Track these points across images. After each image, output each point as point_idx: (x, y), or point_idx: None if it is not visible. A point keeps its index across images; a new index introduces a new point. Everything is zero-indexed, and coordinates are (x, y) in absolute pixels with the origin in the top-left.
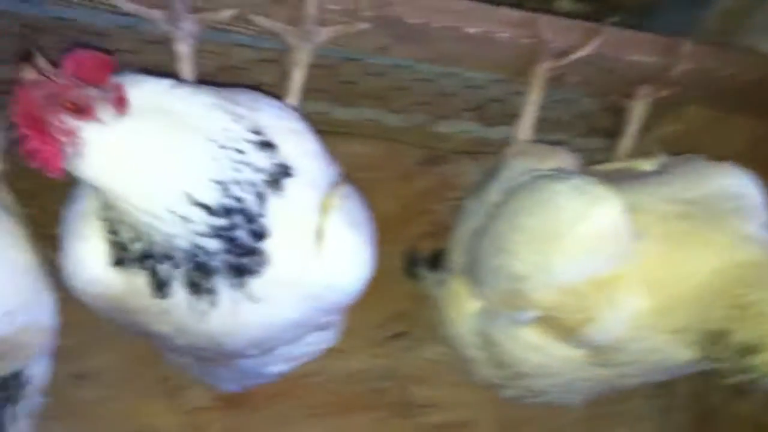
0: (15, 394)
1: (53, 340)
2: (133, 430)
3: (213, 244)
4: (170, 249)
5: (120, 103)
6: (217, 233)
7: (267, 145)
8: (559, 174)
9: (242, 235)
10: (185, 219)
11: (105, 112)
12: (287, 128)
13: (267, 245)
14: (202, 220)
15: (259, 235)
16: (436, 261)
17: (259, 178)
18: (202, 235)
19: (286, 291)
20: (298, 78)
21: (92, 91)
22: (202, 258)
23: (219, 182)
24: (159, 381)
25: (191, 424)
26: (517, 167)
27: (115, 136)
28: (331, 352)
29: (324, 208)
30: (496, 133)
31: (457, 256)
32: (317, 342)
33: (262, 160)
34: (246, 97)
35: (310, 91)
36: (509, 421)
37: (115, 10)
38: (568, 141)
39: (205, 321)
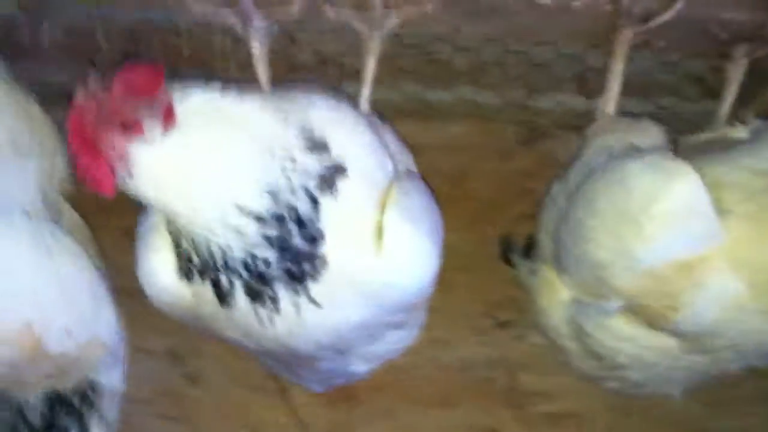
0: (82, 406)
1: (120, 351)
2: (243, 428)
3: (269, 253)
4: (228, 260)
5: (167, 120)
6: (272, 242)
7: (318, 147)
8: (632, 151)
9: (297, 241)
10: (238, 231)
11: (153, 129)
12: (341, 125)
13: (324, 249)
14: (255, 231)
15: (315, 239)
16: (530, 248)
17: (310, 182)
18: (257, 245)
19: (348, 293)
20: (371, 66)
21: (140, 109)
22: (260, 267)
23: (269, 192)
24: (266, 378)
25: (298, 420)
26: (597, 146)
27: (163, 153)
28: (435, 342)
29: (382, 205)
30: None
31: (545, 244)
32: (398, 340)
33: (314, 162)
34: (299, 96)
35: (401, 73)
36: (621, 409)
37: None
38: (678, 106)
39: (271, 327)
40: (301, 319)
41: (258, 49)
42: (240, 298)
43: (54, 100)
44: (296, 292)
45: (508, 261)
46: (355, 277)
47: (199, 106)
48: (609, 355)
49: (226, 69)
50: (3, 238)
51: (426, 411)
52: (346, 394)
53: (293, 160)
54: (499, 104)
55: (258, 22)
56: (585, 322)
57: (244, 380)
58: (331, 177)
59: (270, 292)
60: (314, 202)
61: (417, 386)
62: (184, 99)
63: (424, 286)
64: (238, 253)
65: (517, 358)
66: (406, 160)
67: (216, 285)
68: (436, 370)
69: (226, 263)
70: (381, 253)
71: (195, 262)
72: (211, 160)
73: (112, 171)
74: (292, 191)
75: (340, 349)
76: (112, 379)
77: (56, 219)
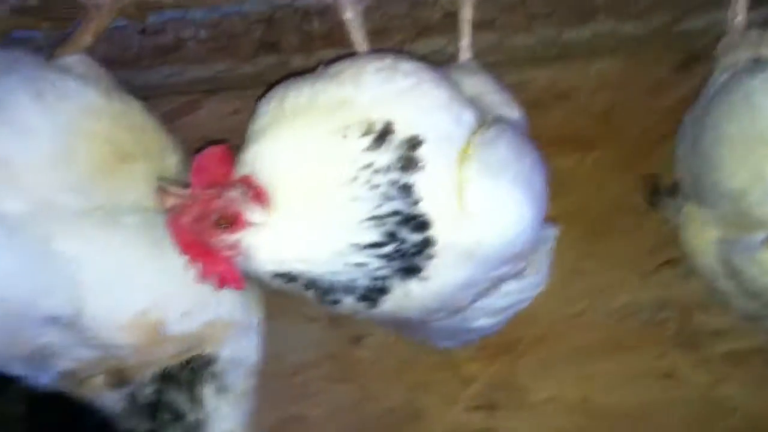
0: (193, 379)
1: (250, 324)
2: (407, 386)
3: (388, 268)
4: (351, 289)
5: (259, 197)
6: (390, 257)
7: (382, 135)
8: (756, 65)
9: (411, 239)
10: (359, 264)
11: (252, 212)
12: (400, 91)
13: (432, 229)
14: (376, 256)
15: (424, 224)
16: (677, 186)
17: (394, 174)
18: (378, 268)
19: (445, 258)
20: (466, 13)
21: (231, 196)
22: (379, 285)
23: (372, 217)
24: None
25: (458, 376)
26: (724, 65)
27: (272, 231)
28: (597, 288)
29: (461, 159)
30: (758, 16)
31: (685, 179)
32: (521, 289)
33: (387, 153)
34: (349, 74)
35: (536, 17)
36: None
37: None
38: None
39: (377, 309)
40: (407, 295)
41: (350, 17)
42: (347, 300)
43: (202, 94)
44: (409, 280)
45: (654, 203)
46: (448, 240)
47: (275, 169)
48: (765, 291)
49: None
50: (114, 234)
51: (593, 360)
52: (507, 347)
53: (369, 166)
54: (644, 33)
55: None
56: (735, 259)
57: (403, 339)
58: (409, 153)
59: (382, 294)
60: (407, 188)
61: (582, 335)
62: (262, 166)
63: (515, 236)
64: (362, 282)
65: (688, 297)
66: (504, 107)
67: (322, 295)
68: (602, 316)
69: (346, 289)
70: (464, 210)
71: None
72: (316, 220)
73: (231, 263)
74: (387, 196)
75: (451, 310)
76: (239, 350)
77: None
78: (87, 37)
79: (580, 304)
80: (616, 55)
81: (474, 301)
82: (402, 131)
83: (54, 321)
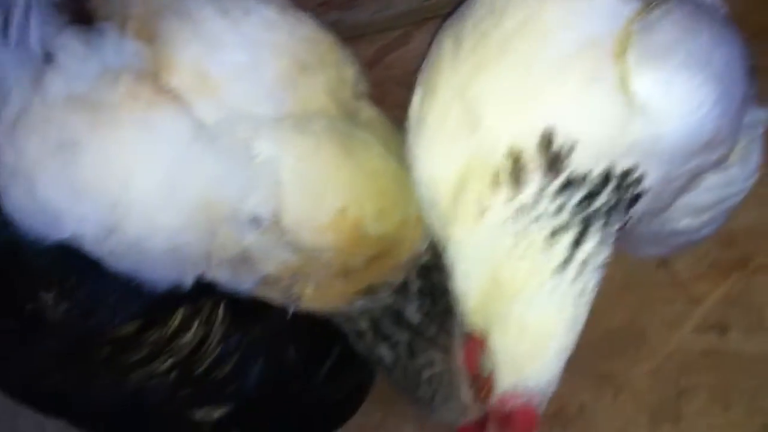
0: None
1: None
2: (630, 306)
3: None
4: None
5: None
6: (615, 205)
7: (516, 164)
8: None
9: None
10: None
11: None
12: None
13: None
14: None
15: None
16: None
17: (555, 185)
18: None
19: None
20: None
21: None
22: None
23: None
24: None
25: (686, 295)
26: None
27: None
28: None
29: (619, 50)
30: None
31: None
32: (727, 182)
33: (536, 178)
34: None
35: None
36: None
37: None
38: None
39: None
40: None
41: None
42: None
43: (412, 26)
44: None
45: None
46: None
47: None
48: None
49: None
50: (306, 139)
51: None
52: (742, 262)
53: (536, 213)
54: None
55: None
56: None
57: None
58: (554, 153)
59: None
60: (579, 179)
61: None
62: None
63: (695, 125)
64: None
65: None
66: None
67: None
68: None
69: None
70: (635, 106)
71: None
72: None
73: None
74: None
75: (650, 213)
76: None
77: (353, 119)
78: None
79: None
80: None
81: (673, 199)
82: (528, 130)
83: (257, 222)
